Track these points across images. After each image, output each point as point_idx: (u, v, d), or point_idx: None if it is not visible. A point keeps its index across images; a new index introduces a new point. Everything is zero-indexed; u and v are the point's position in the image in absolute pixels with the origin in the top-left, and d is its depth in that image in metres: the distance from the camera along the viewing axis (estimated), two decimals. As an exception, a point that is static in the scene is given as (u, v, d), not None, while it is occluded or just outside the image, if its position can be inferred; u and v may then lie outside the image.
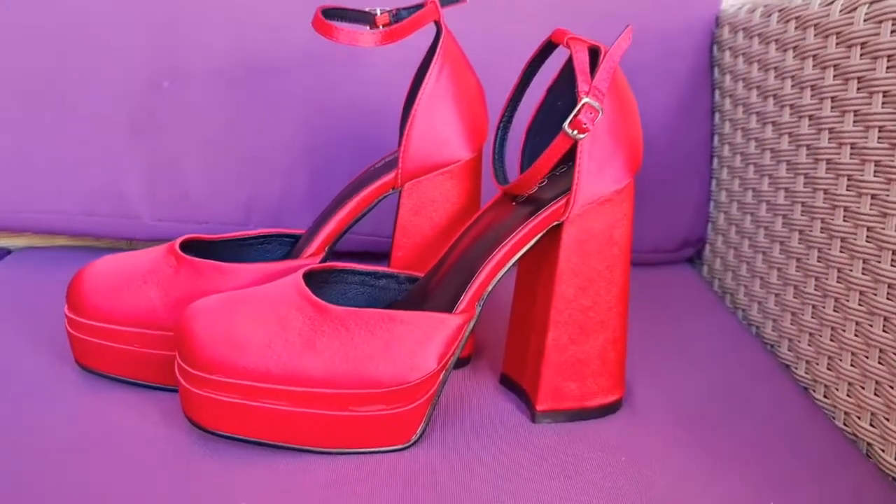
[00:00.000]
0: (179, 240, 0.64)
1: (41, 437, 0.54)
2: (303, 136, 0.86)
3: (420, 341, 0.53)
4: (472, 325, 0.56)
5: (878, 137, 0.58)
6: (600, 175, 0.56)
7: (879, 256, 0.58)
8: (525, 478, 0.52)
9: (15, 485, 0.49)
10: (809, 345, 0.66)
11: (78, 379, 0.62)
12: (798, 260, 0.69)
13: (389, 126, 0.86)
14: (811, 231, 0.66)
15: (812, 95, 0.67)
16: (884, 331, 0.57)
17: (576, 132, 0.53)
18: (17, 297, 0.76)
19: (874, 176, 0.58)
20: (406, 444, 0.55)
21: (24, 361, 0.64)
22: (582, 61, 0.55)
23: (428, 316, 0.54)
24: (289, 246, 0.70)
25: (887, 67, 0.57)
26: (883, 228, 0.57)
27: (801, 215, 0.68)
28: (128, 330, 0.60)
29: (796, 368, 0.68)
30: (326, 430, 0.53)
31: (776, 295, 0.72)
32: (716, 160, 0.89)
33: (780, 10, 0.72)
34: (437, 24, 0.63)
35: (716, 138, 0.89)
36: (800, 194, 0.68)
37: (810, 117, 0.67)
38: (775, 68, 0.73)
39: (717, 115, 0.89)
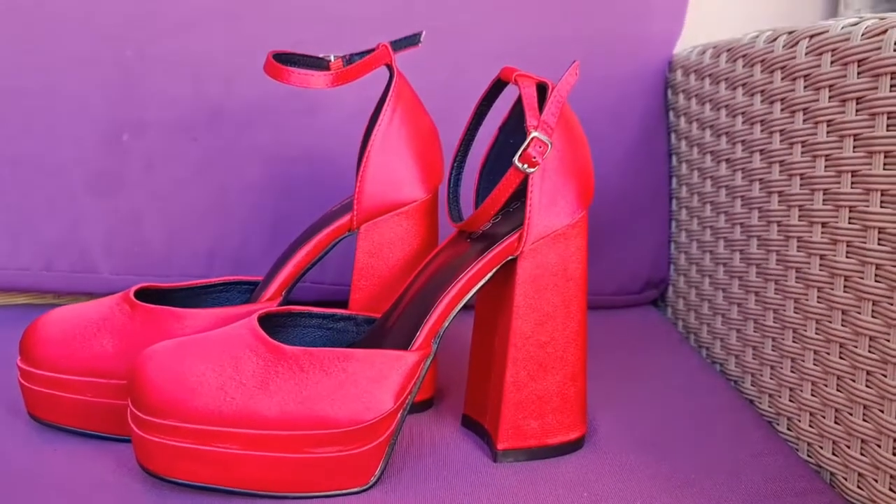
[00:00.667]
0: (134, 288, 0.64)
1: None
2: (261, 186, 0.87)
3: (375, 379, 0.53)
4: (428, 362, 0.55)
5: (825, 166, 0.59)
6: (552, 209, 0.56)
7: (832, 283, 0.58)
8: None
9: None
10: (771, 378, 0.66)
11: (30, 432, 0.60)
12: (756, 294, 0.69)
13: (347, 174, 0.86)
14: (767, 264, 0.67)
15: (762, 130, 0.68)
16: (840, 357, 0.57)
17: (525, 166, 0.54)
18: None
19: (823, 204, 0.59)
20: (364, 487, 0.54)
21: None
22: (530, 96, 0.55)
23: (383, 354, 0.54)
24: (249, 293, 0.70)
25: (829, 97, 0.58)
26: (834, 255, 0.58)
27: (758, 248, 0.69)
28: (80, 379, 0.59)
29: (760, 403, 0.68)
30: (282, 474, 0.52)
31: (737, 330, 0.72)
32: (674, 202, 0.90)
33: (728, 50, 0.74)
34: (389, 67, 0.64)
35: (674, 180, 0.90)
36: (755, 228, 0.69)
37: (761, 151, 0.68)
38: (726, 106, 0.74)
39: (674, 158, 0.90)
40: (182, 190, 0.86)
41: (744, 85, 0.70)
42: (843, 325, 0.57)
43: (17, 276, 0.85)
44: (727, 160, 0.74)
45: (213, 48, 0.87)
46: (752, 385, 0.70)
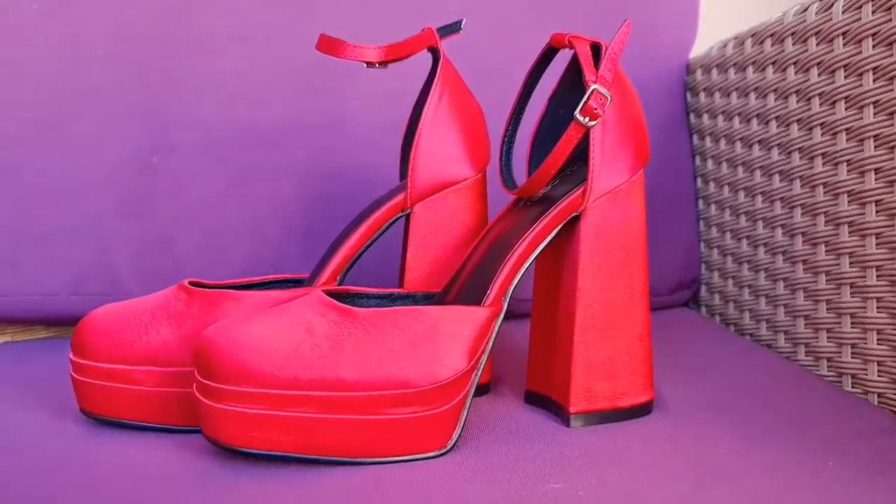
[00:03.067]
0: (186, 280, 0.63)
1: (53, 490, 0.50)
2: (294, 204, 0.87)
3: (450, 335, 0.52)
4: (499, 320, 0.55)
5: (874, 112, 0.60)
6: (614, 164, 0.57)
7: (892, 225, 0.59)
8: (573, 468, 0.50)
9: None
10: (829, 339, 0.66)
11: (84, 428, 0.58)
12: (804, 261, 0.69)
13: (380, 187, 0.86)
14: (815, 228, 0.67)
15: (798, 100, 0.69)
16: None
17: (587, 119, 0.54)
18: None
19: (875, 150, 0.60)
20: (442, 451, 0.52)
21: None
22: (585, 55, 0.57)
23: (456, 309, 0.53)
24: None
25: (874, 45, 0.60)
26: (891, 198, 0.59)
27: (802, 217, 0.69)
28: (139, 369, 0.58)
29: (817, 369, 0.68)
30: (359, 438, 0.50)
31: (784, 305, 0.72)
32: (700, 201, 0.91)
33: (752, 35, 0.76)
34: (435, 50, 0.65)
35: (699, 180, 0.91)
36: (798, 197, 0.70)
37: (799, 121, 0.69)
38: (755, 89, 0.76)
39: (697, 158, 0.91)
40: (212, 209, 0.86)
41: (774, 63, 0.72)
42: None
43: (46, 302, 0.84)
44: (759, 141, 0.76)
45: (238, 69, 0.87)
46: (806, 354, 0.69)
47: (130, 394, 0.58)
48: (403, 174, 0.70)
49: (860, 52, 0.61)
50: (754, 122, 0.76)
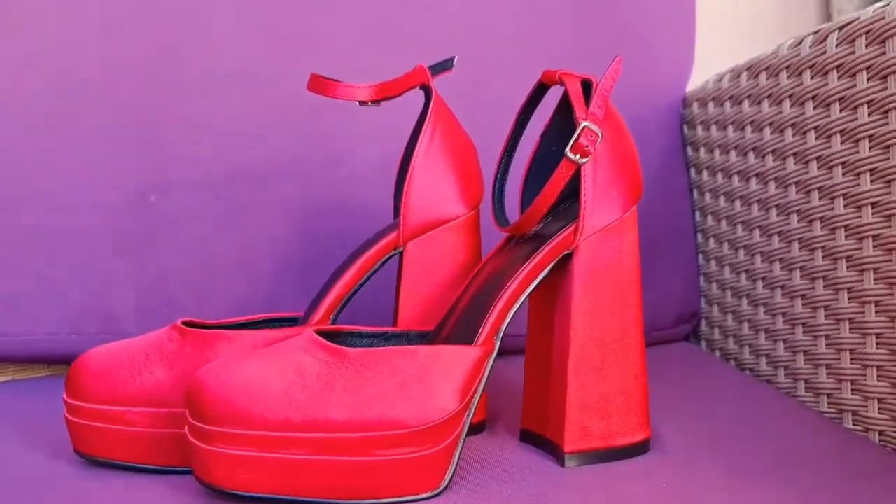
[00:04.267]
0: (179, 320, 0.63)
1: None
2: (290, 239, 0.86)
3: (441, 374, 0.52)
4: (491, 360, 0.54)
5: (870, 146, 0.60)
6: (606, 200, 0.57)
7: (891, 260, 0.58)
8: None
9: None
10: (828, 376, 0.65)
11: (77, 469, 0.58)
12: (803, 296, 0.69)
13: (377, 222, 0.86)
14: (813, 262, 0.67)
15: (794, 133, 0.69)
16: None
17: (578, 156, 0.54)
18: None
19: (871, 184, 0.60)
20: (434, 492, 0.52)
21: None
22: (576, 92, 0.57)
23: (448, 349, 0.53)
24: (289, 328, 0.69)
25: (868, 78, 0.60)
26: (889, 230, 0.58)
27: (800, 251, 0.69)
28: (132, 410, 0.57)
29: (817, 405, 0.67)
30: (350, 480, 0.50)
31: (784, 340, 0.72)
32: (699, 235, 0.91)
33: (748, 68, 0.76)
34: (426, 88, 0.65)
35: (697, 214, 0.91)
36: (795, 231, 0.69)
37: (795, 154, 0.69)
38: (752, 122, 0.75)
39: (695, 192, 0.91)
40: (207, 247, 0.86)
41: (769, 96, 0.72)
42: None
43: (44, 342, 0.84)
44: (756, 174, 0.75)
45: (234, 108, 0.88)
46: (806, 391, 0.69)
47: (124, 434, 0.57)
48: (397, 212, 0.70)
49: (854, 86, 0.61)
50: (751, 155, 0.76)
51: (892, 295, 0.58)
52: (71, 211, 0.85)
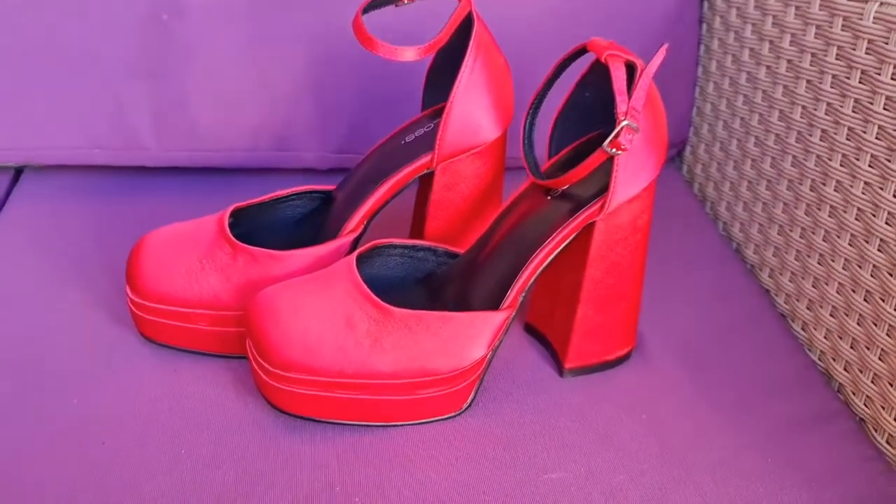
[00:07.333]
0: (226, 218, 0.68)
1: (115, 407, 0.62)
2: (306, 67, 0.87)
3: (472, 337, 0.61)
4: (514, 315, 0.63)
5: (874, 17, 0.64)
6: (634, 180, 0.61)
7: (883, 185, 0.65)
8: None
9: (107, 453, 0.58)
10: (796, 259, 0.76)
11: (145, 352, 0.68)
12: (793, 157, 0.77)
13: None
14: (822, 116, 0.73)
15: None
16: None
17: (615, 150, 0.58)
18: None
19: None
20: (459, 412, 0.63)
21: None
22: (619, 80, 0.58)
23: (478, 316, 0.61)
24: (318, 201, 0.74)
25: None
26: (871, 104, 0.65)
27: (800, 117, 0.75)
28: (194, 312, 0.65)
29: (777, 297, 0.78)
30: (392, 411, 0.61)
31: (760, 224, 0.81)
32: (700, 68, 0.94)
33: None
34: (469, 15, 0.65)
35: (702, 48, 0.94)
36: (799, 100, 0.75)
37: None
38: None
39: (704, 27, 0.93)
40: (225, 71, 0.87)
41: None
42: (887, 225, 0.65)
43: (68, 154, 0.88)
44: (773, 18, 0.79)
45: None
46: (769, 277, 0.79)
47: (189, 330, 0.66)
48: (425, 104, 0.73)
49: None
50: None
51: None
52: (84, 29, 0.84)
